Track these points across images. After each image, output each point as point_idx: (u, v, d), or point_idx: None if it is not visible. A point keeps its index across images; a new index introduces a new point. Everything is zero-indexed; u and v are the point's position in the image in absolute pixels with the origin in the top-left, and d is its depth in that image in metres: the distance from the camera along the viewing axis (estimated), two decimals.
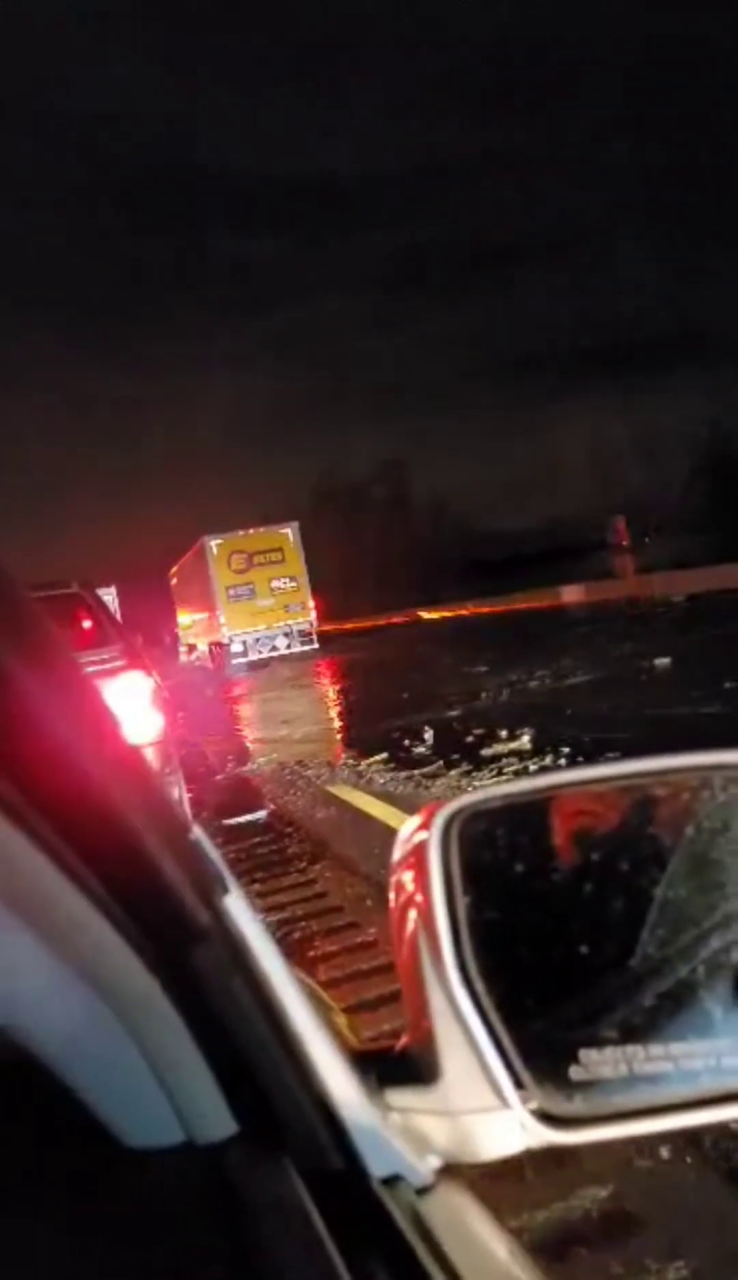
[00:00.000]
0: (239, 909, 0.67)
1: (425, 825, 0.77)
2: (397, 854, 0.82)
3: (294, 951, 4.71)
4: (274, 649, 32.65)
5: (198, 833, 0.67)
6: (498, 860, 0.76)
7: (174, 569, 43.72)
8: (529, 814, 0.78)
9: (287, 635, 33.02)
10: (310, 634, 33.44)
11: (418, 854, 0.77)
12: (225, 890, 0.67)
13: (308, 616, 33.40)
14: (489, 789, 0.78)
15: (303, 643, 33.04)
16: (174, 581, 44.03)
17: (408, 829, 0.81)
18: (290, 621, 33.12)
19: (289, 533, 34.28)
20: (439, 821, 0.76)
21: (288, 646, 32.80)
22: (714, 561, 32.12)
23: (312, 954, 4.72)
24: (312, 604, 33.54)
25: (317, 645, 33.12)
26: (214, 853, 0.68)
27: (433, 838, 0.76)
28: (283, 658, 31.81)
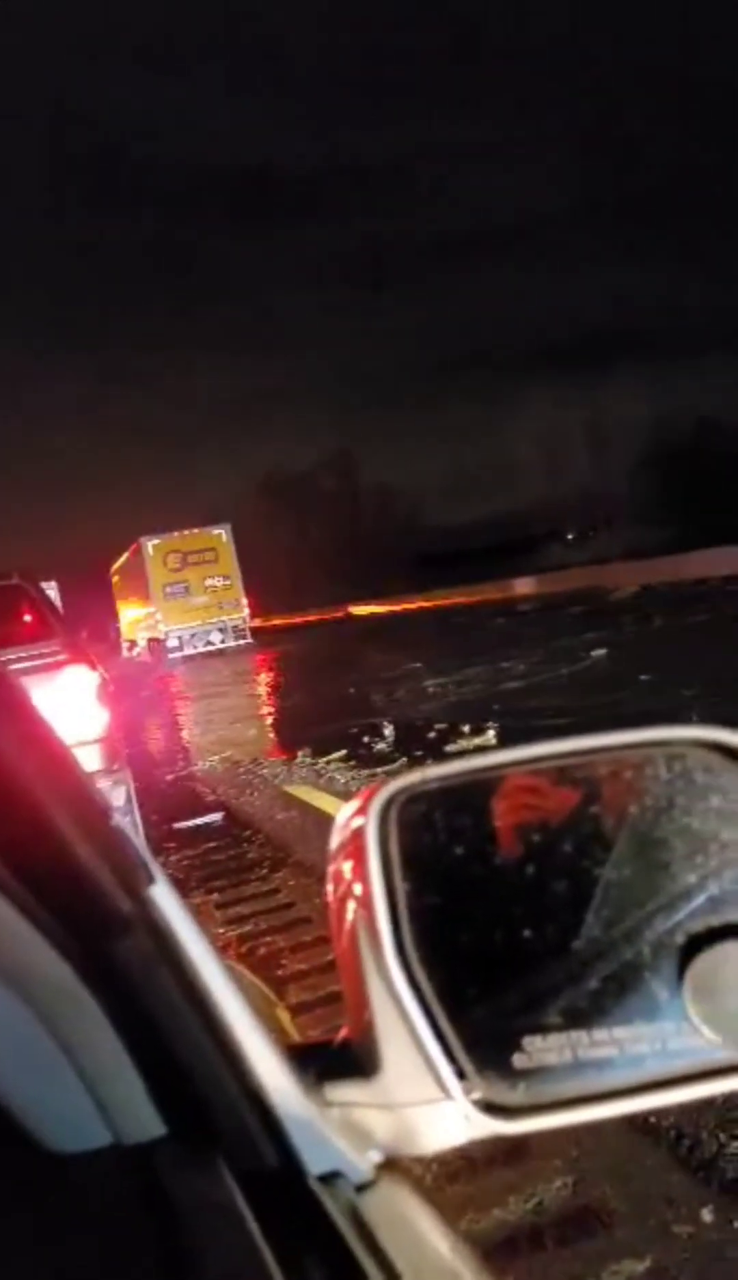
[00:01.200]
0: (165, 898, 0.65)
1: (363, 810, 0.75)
2: (334, 841, 0.80)
3: (260, 969, 4.47)
4: (209, 644, 34.62)
5: (120, 819, 0.65)
6: (438, 844, 0.74)
7: (114, 567, 45.60)
8: (470, 795, 0.76)
9: (221, 631, 35.06)
10: (244, 630, 35.46)
11: (356, 840, 0.75)
12: (150, 879, 0.64)
13: (241, 613, 35.52)
14: (427, 770, 0.76)
15: (237, 638, 34.99)
16: (115, 579, 45.89)
17: (345, 815, 0.79)
18: (224, 618, 35.24)
19: (222, 533, 36.44)
20: (376, 805, 0.74)
21: (222, 641, 34.73)
22: (664, 552, 32.55)
23: (280, 973, 4.51)
24: (245, 601, 35.62)
25: (250, 640, 34.87)
26: (138, 840, 0.66)
27: (370, 822, 0.74)
28: (218, 652, 33.44)
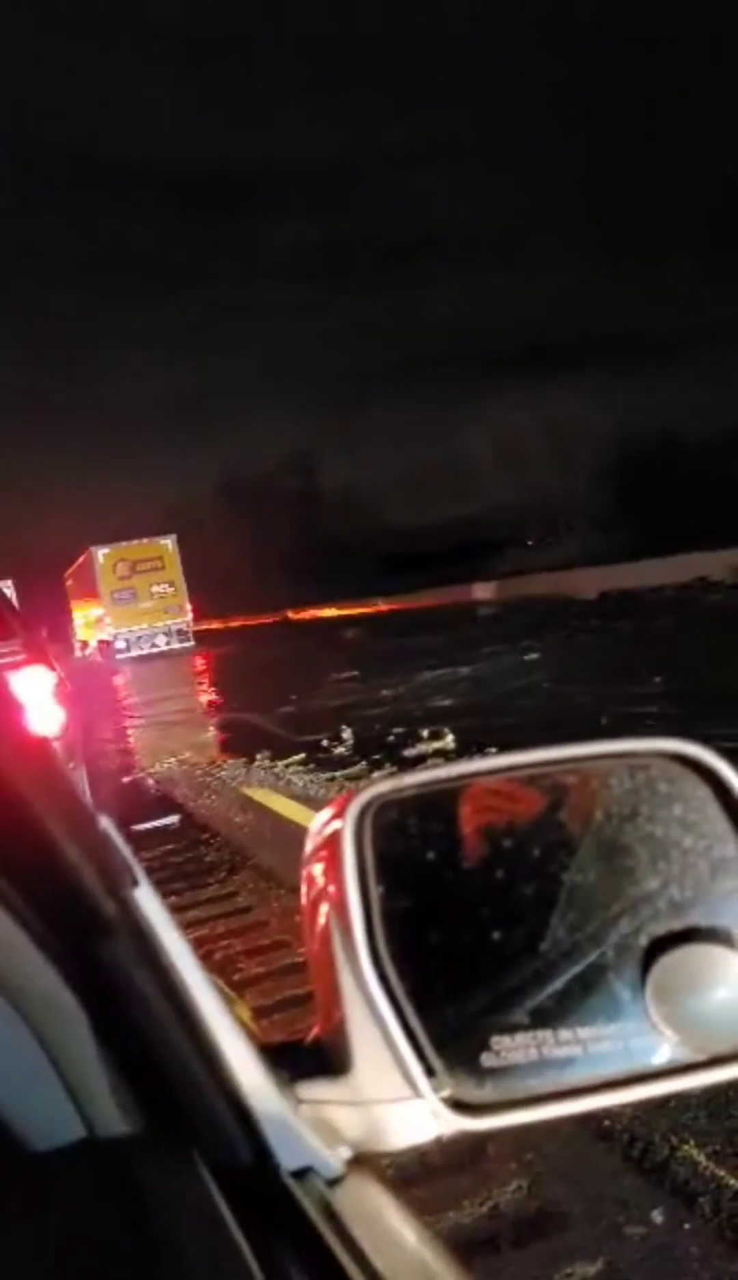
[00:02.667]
0: (148, 901, 0.66)
1: (338, 815, 0.77)
2: (308, 846, 0.82)
3: (217, 973, 4.37)
4: (154, 646, 37.63)
5: (106, 823, 0.66)
6: (411, 849, 0.76)
7: (68, 571, 48.79)
8: (442, 802, 0.78)
9: (166, 634, 38.19)
10: (187, 632, 38.58)
11: (331, 844, 0.77)
12: (134, 882, 0.66)
13: (184, 617, 38.74)
14: (402, 777, 0.78)
15: (180, 640, 38.04)
16: (69, 583, 49.10)
17: (320, 820, 0.81)
18: (169, 622, 38.39)
19: (168, 543, 39.79)
20: (353, 811, 0.76)
21: (167, 644, 37.78)
22: (624, 559, 32.89)
23: (237, 977, 4.46)
24: (188, 606, 38.85)
25: (193, 643, 37.81)
26: (122, 844, 0.67)
27: (346, 827, 0.75)
28: (163, 654, 36.24)
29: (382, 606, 44.97)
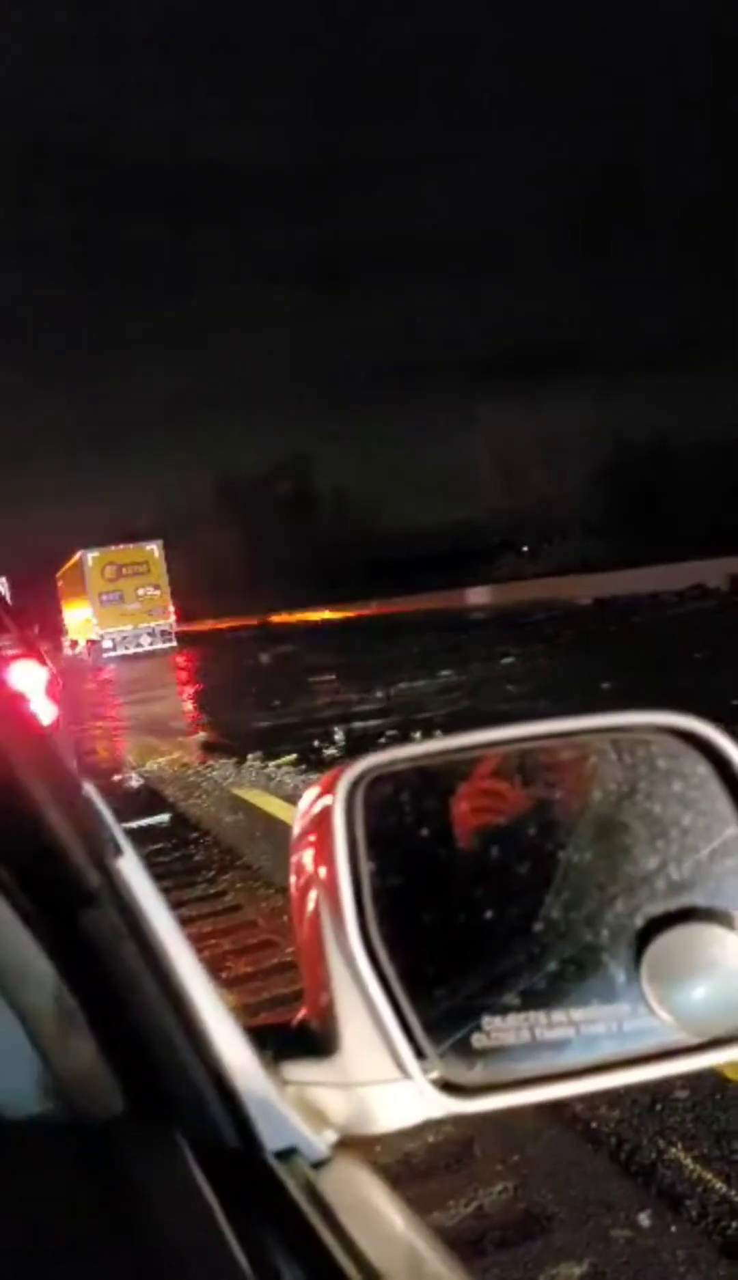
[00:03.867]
0: (133, 871, 0.64)
1: (328, 790, 0.75)
2: (297, 828, 0.80)
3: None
4: (139, 645, 39.80)
5: (90, 790, 0.64)
6: (404, 825, 0.74)
7: (60, 573, 51.17)
8: (436, 776, 0.76)
9: (150, 635, 40.32)
10: (170, 634, 40.81)
11: (321, 821, 0.75)
12: (118, 852, 0.64)
13: (168, 619, 40.98)
14: (395, 750, 0.76)
15: (164, 641, 40.26)
16: (60, 584, 51.35)
17: (309, 798, 0.79)
18: (153, 623, 40.53)
19: (154, 548, 42.18)
20: (343, 785, 0.74)
21: (151, 644, 39.94)
22: (619, 566, 33.01)
23: (225, 975, 4.41)
24: (172, 609, 41.07)
25: (175, 644, 40.04)
26: (107, 812, 0.65)
27: (337, 802, 0.73)
28: (148, 653, 38.38)
29: (368, 610, 45.25)
